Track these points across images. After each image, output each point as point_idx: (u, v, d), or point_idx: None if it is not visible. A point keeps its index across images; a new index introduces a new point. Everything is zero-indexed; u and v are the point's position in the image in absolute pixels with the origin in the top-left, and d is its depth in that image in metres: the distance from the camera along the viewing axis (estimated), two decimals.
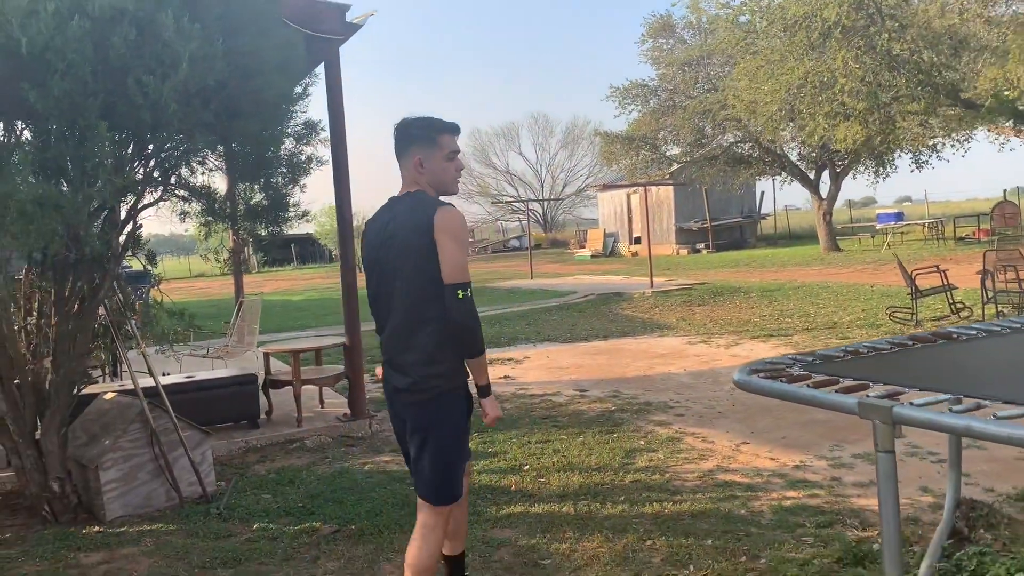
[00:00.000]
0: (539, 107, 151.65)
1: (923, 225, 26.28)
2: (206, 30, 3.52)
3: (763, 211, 33.45)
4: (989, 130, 10.14)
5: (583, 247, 34.72)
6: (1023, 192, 31.92)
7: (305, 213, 4.95)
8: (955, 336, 3.66)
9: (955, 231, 24.52)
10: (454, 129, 2.80)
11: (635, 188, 27.75)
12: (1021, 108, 7.69)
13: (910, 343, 3.57)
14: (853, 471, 4.64)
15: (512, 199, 52.13)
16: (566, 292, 17.51)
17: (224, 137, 3.96)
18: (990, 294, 9.59)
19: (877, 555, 3.53)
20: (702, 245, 29.61)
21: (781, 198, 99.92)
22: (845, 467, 4.73)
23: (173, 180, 4.65)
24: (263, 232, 4.49)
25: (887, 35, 7.98)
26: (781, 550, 3.56)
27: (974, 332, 3.71)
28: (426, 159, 2.76)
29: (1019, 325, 3.77)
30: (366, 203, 53.01)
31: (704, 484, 4.57)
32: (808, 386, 2.79)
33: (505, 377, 8.38)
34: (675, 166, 26.31)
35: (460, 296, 2.60)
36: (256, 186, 4.39)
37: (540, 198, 52.28)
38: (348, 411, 6.41)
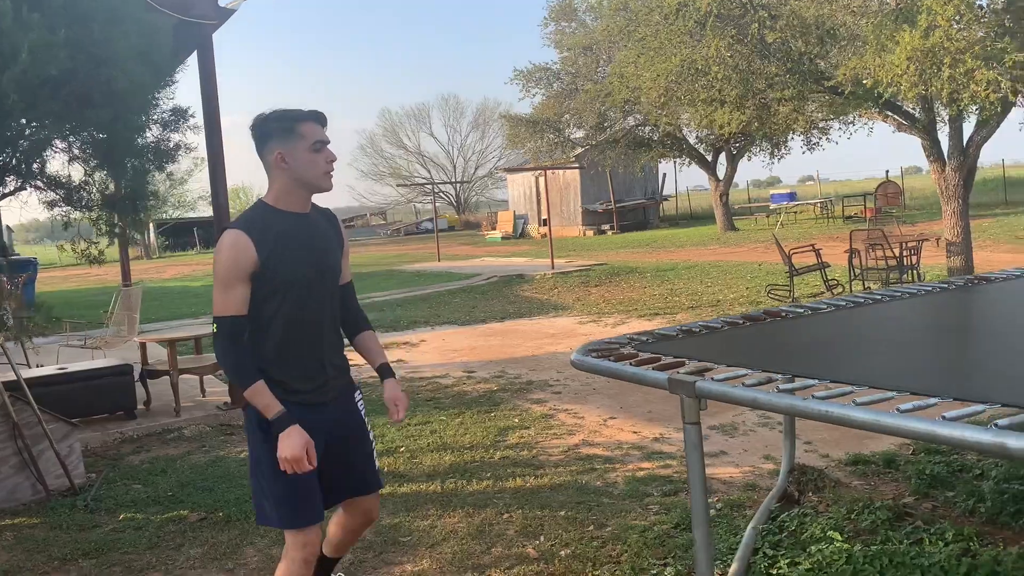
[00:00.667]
0: (451, 88, 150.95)
1: (814, 205, 27.43)
2: (48, 19, 3.48)
3: (666, 192, 34.30)
4: (860, 115, 10.67)
5: (494, 229, 34.92)
6: (909, 173, 33.62)
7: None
8: (783, 315, 3.94)
9: (843, 210, 25.69)
10: (318, 117, 2.53)
11: (540, 171, 28.06)
12: (879, 95, 8.17)
13: (741, 322, 3.84)
14: (708, 441, 4.92)
15: (424, 181, 51.88)
16: (471, 274, 17.64)
17: (76, 127, 3.91)
18: (858, 271, 10.18)
19: (712, 519, 3.80)
20: (607, 226, 30.17)
21: (689, 178, 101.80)
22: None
23: (35, 168, 4.56)
24: (118, 223, 4.43)
25: (758, 24, 8.33)
26: (627, 518, 3.79)
27: (802, 311, 4.00)
28: (288, 153, 2.48)
29: (842, 303, 4.09)
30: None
31: (567, 458, 4.79)
32: (631, 364, 3.01)
33: (398, 361, 8.46)
34: (579, 149, 26.70)
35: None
36: (111, 174, 4.34)
37: (451, 180, 52.17)
38: (228, 399, 6.39)
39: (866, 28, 7.98)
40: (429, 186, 47.36)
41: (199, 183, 45.14)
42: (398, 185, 49.51)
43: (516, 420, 5.70)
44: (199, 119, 6.13)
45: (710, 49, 8.11)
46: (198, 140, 5.91)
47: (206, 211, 42.10)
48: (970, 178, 9.91)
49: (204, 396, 6.86)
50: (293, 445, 2.37)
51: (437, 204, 38.51)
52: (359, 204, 55.39)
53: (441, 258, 22.88)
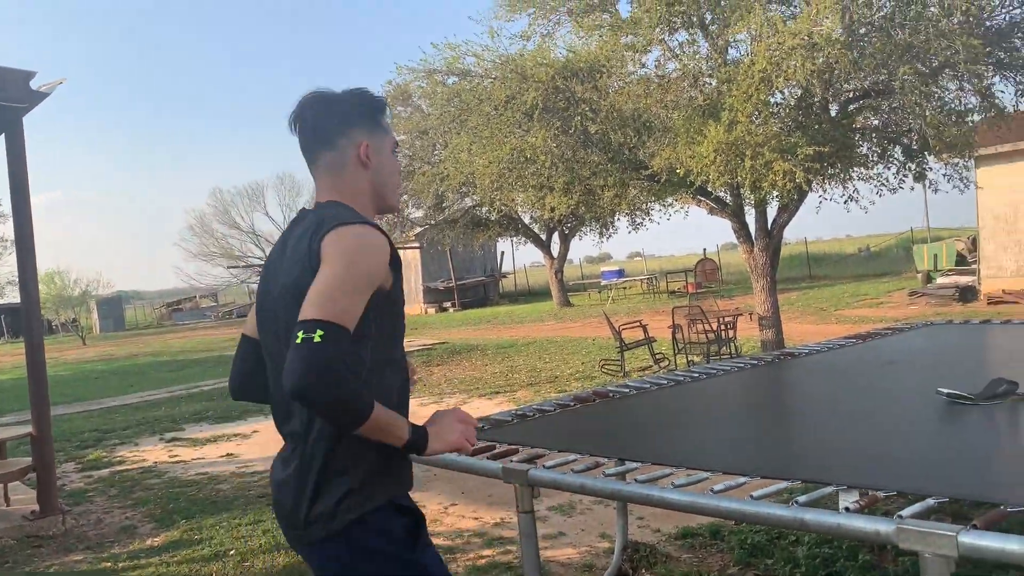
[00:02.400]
0: (287, 167, 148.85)
1: (641, 281, 28.90)
2: None
3: (505, 269, 35.11)
4: (675, 200, 11.46)
5: None
6: (725, 249, 36.19)
7: None
8: (611, 395, 4.12)
9: (667, 286, 27.21)
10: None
11: None
12: (691, 183, 8.83)
13: (572, 404, 3.97)
14: (546, 523, 4.99)
15: (259, 261, 50.36)
16: None
17: None
18: (681, 345, 10.77)
19: None
20: (449, 304, 30.39)
21: (527, 255, 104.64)
22: (539, 520, 5.08)
23: None
24: None
25: (581, 117, 8.85)
26: None
27: (628, 390, 4.19)
28: (375, 149, 1.87)
29: (664, 382, 4.32)
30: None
31: None
32: (466, 454, 3.04)
33: (228, 455, 8.05)
34: (418, 228, 26.94)
35: (301, 339, 1.56)
36: None
37: None
38: (37, 508, 5.84)
39: (677, 122, 8.67)
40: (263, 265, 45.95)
41: (7, 266, 41.80)
42: (229, 267, 47.77)
43: None
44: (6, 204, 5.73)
45: (537, 139, 8.54)
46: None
47: (13, 296, 38.90)
48: (776, 257, 10.80)
49: (8, 505, 6.22)
50: (452, 428, 1.81)
51: None
52: (188, 286, 52.84)
53: None
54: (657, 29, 9.37)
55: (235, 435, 9.14)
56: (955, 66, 8.57)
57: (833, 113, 9.70)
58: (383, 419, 1.65)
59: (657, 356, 11.21)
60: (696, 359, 11.01)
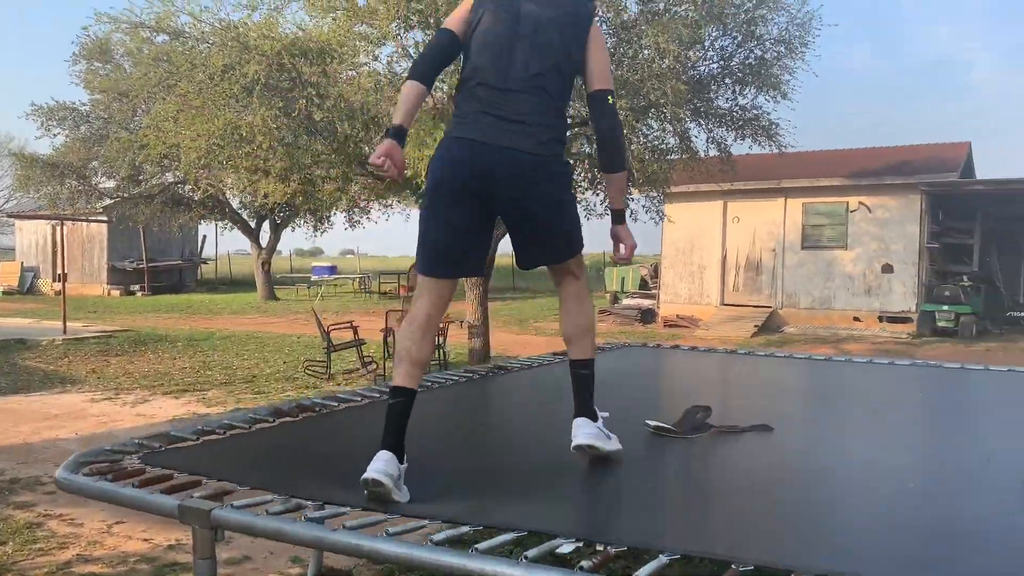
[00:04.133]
0: None
1: (354, 280, 28.42)
2: None
3: (205, 255, 32.73)
4: (399, 201, 11.24)
5: None
6: None
7: None
8: (316, 409, 3.72)
9: (380, 287, 27.02)
10: None
11: (59, 220, 24.77)
12: (418, 185, 8.64)
13: (271, 420, 3.52)
14: (228, 546, 4.45)
15: None
16: None
17: None
18: (391, 349, 10.54)
19: None
20: (137, 287, 27.63)
21: (231, 242, 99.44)
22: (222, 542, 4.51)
23: None
24: None
25: (306, 101, 8.30)
26: None
27: (335, 404, 3.82)
28: None
29: (376, 395, 4.00)
30: None
31: None
32: (134, 485, 2.49)
33: None
34: (108, 200, 24.18)
35: (610, 101, 2.51)
36: None
37: None
38: None
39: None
40: None
41: None
42: None
43: None
44: None
45: (256, 118, 7.85)
46: None
47: None
48: (490, 268, 10.98)
49: None
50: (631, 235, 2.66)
51: None
52: None
53: None
54: (394, 24, 9.09)
55: None
56: (662, 107, 9.25)
57: None
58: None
59: (366, 359, 10.87)
60: None
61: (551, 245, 2.49)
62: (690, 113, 9.95)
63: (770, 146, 10.98)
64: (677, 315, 17.99)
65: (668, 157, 10.16)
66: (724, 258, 18.13)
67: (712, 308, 17.92)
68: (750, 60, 10.35)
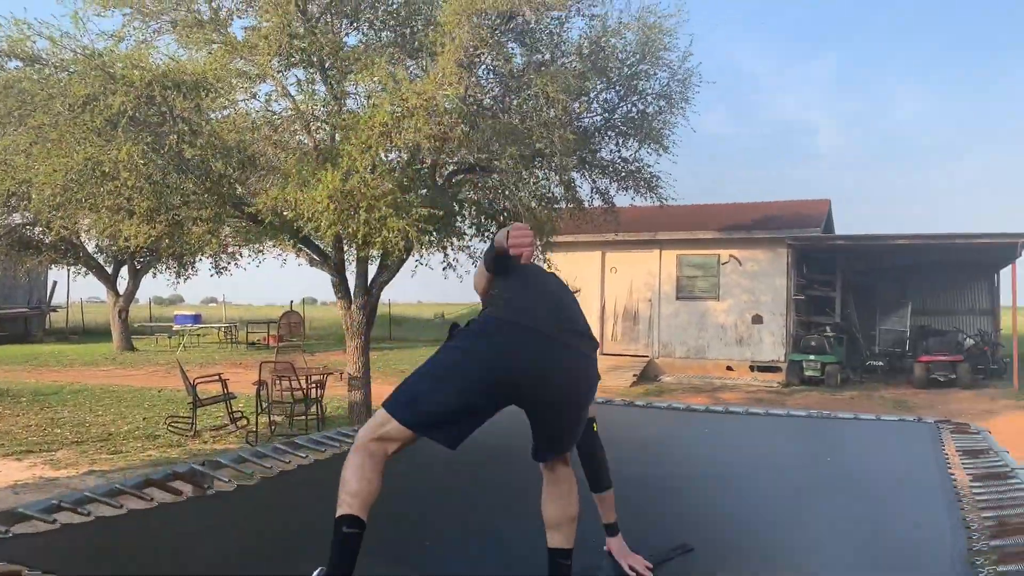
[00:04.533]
0: None
1: (219, 329, 27.04)
2: None
3: (56, 303, 30.41)
4: (274, 245, 10.67)
5: None
6: (310, 303, 35.75)
7: None
8: (205, 487, 3.25)
9: (247, 336, 25.79)
10: None
11: None
12: (299, 229, 8.19)
13: (144, 492, 3.03)
14: None
15: None
16: None
17: None
18: (265, 404, 9.88)
19: None
20: None
21: (85, 289, 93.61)
22: None
23: None
24: None
25: (177, 136, 7.75)
26: None
27: (229, 484, 3.33)
28: None
29: (273, 465, 3.56)
30: None
31: None
32: None
33: None
34: None
35: (595, 430, 2.54)
36: None
37: None
38: None
39: (288, 162, 8.01)
40: None
41: None
42: None
43: None
44: None
45: (121, 153, 7.21)
46: None
47: None
48: (372, 316, 10.55)
49: None
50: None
51: None
52: None
53: None
54: (275, 60, 8.69)
55: None
56: (550, 156, 9.22)
57: (440, 181, 9.85)
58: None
59: (235, 415, 10.14)
60: (278, 419, 10.21)
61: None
62: (575, 163, 9.96)
63: (652, 198, 11.16)
64: None
65: (556, 206, 10.12)
66: (603, 308, 18.33)
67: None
68: (632, 113, 10.53)
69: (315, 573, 2.01)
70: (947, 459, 3.81)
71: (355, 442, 2.17)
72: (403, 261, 9.71)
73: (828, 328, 17.21)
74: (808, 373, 16.22)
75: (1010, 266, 16.28)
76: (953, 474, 3.45)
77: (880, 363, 17.82)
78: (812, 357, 16.21)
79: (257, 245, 11.38)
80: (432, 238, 8.55)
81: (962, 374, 15.72)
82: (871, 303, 19.62)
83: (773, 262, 16.88)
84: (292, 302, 28.50)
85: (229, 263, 21.85)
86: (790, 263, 16.80)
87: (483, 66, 9.37)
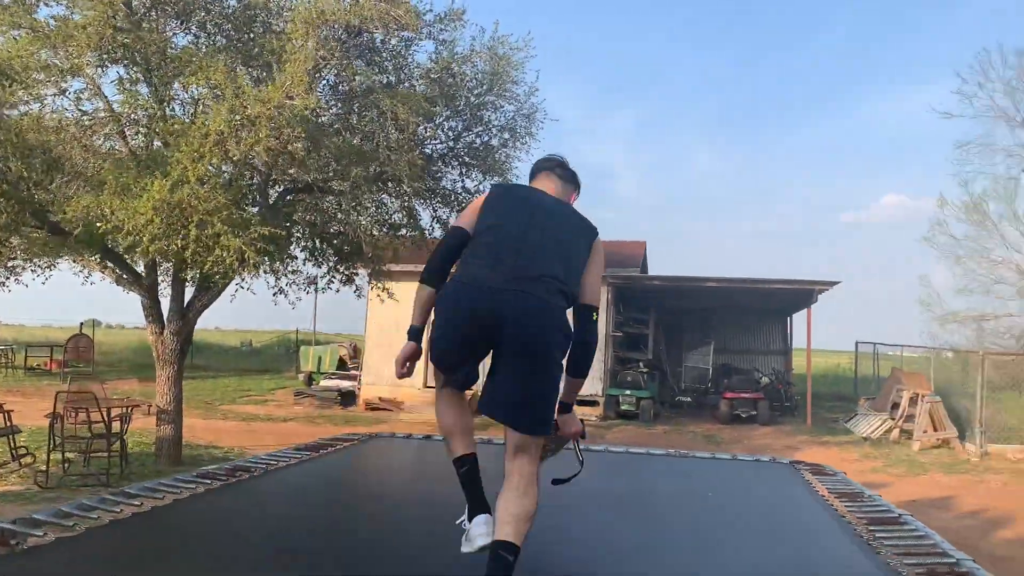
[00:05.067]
0: None
1: None
2: None
3: None
4: (75, 260, 9.51)
5: None
6: (98, 324, 32.73)
7: None
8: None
9: (26, 360, 23.08)
10: None
11: None
12: (112, 243, 7.30)
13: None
14: None
15: None
16: None
17: None
18: (59, 438, 8.68)
19: None
20: None
21: None
22: None
23: None
24: None
25: None
26: None
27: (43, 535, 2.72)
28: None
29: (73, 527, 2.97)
30: None
31: None
32: None
33: None
34: None
35: (594, 319, 2.60)
36: None
37: None
38: None
39: (105, 168, 7.13)
40: None
41: None
42: None
43: None
44: None
45: None
46: None
47: None
48: (187, 343, 9.64)
49: None
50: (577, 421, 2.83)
51: None
52: None
53: None
54: (91, 54, 7.77)
55: None
56: (397, 180, 8.87)
57: (272, 199, 9.20)
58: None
59: (18, 451, 8.84)
60: (71, 456, 9.00)
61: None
62: (423, 188, 9.67)
63: None
64: (380, 398, 17.40)
65: (400, 233, 9.75)
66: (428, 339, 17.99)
67: (415, 391, 17.57)
68: (477, 144, 10.41)
69: (461, 519, 2.49)
70: (827, 501, 3.85)
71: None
72: (227, 284, 8.93)
73: (641, 364, 17.86)
74: (624, 407, 16.71)
75: (805, 310, 17.70)
76: (844, 516, 3.46)
77: (688, 399, 18.72)
78: (628, 392, 16.73)
79: (49, 260, 10.08)
80: (268, 260, 7.90)
81: (762, 411, 16.78)
82: (679, 341, 20.66)
83: None
84: (81, 324, 25.85)
85: (7, 278, 19.54)
86: (610, 301, 17.31)
87: (324, 82, 8.89)
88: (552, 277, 2.47)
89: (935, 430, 13.97)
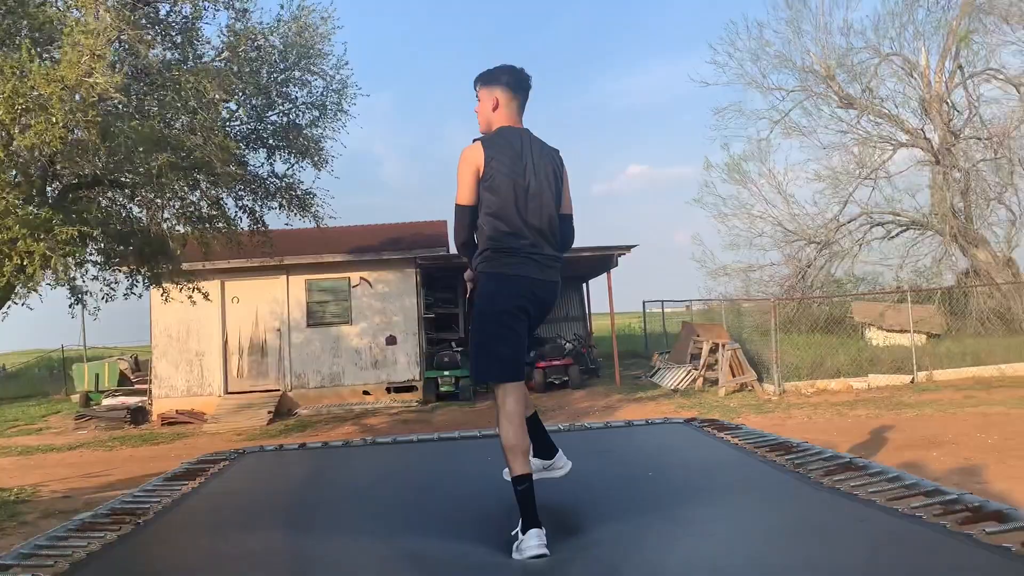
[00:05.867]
0: None
1: None
2: None
3: None
4: None
5: None
6: None
7: None
8: None
9: None
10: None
11: None
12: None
13: None
14: None
15: None
16: None
17: None
18: None
19: None
20: None
21: None
22: None
23: None
24: None
25: None
26: None
27: None
28: None
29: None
30: None
31: None
32: None
33: None
34: None
35: (572, 223, 3.11)
36: None
37: None
38: None
39: None
40: None
41: None
42: None
43: None
44: None
45: None
46: None
47: None
48: None
49: None
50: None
51: None
52: None
53: None
54: None
55: None
56: (207, 168, 7.95)
57: (54, 196, 7.91)
58: None
59: None
60: None
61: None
62: (231, 176, 8.76)
63: (305, 218, 10.32)
64: (176, 410, 15.88)
65: (218, 226, 8.77)
66: (226, 342, 16.66)
67: (216, 399, 16.25)
68: (282, 123, 9.64)
69: (515, 530, 2.61)
70: (762, 455, 3.80)
71: (500, 416, 2.77)
72: (9, 295, 7.57)
73: (454, 344, 17.71)
74: (444, 389, 16.49)
75: (604, 275, 18.37)
76: (797, 470, 3.41)
77: None
78: (447, 373, 16.52)
79: None
80: (73, 266, 6.76)
81: (573, 375, 17.24)
82: None
83: (403, 282, 16.90)
84: None
85: None
86: (419, 282, 16.97)
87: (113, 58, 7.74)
88: (549, 228, 2.95)
89: (734, 376, 15.04)
